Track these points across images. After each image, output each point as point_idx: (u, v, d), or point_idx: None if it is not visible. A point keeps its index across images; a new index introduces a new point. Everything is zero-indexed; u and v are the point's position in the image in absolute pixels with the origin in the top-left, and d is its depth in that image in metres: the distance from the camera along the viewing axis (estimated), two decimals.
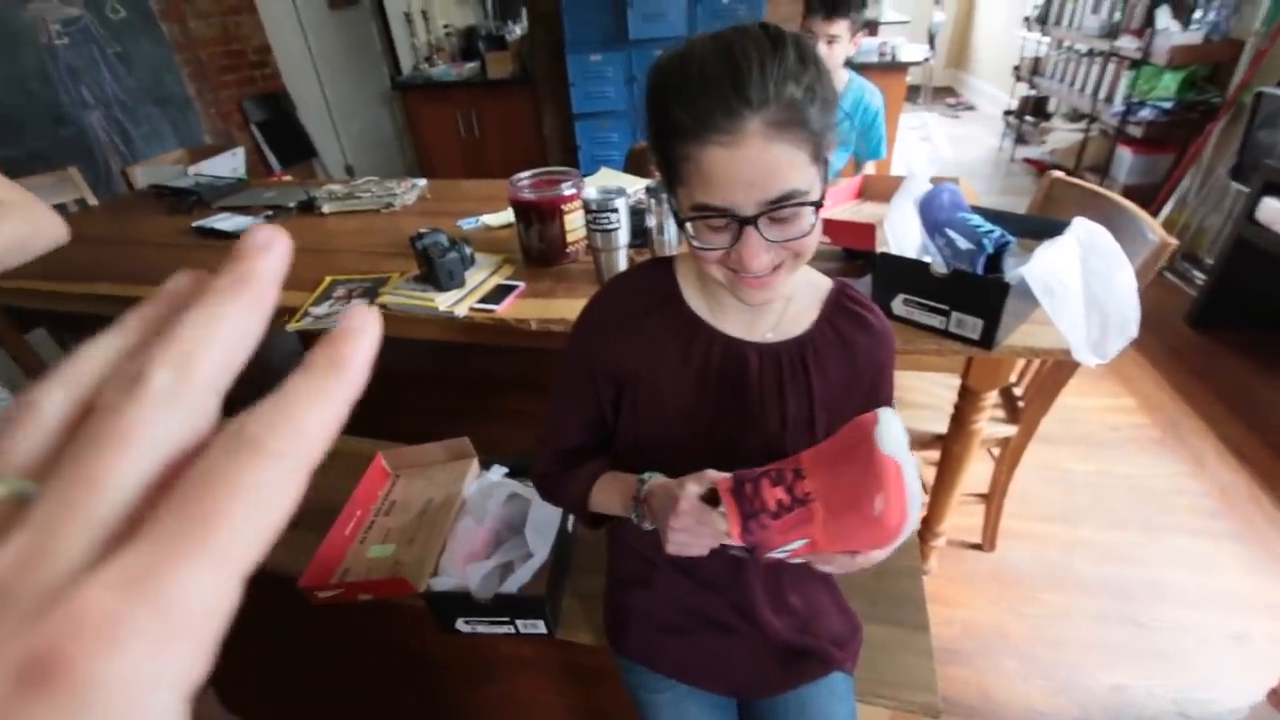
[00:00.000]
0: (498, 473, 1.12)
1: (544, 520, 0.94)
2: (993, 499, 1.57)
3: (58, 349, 2.46)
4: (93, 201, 2.32)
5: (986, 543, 1.63)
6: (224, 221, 1.86)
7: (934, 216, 1.05)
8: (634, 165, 2.12)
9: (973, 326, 0.99)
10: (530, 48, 3.38)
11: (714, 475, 0.64)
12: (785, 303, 0.72)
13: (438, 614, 0.96)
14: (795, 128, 0.56)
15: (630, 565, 0.87)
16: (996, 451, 1.51)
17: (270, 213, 1.93)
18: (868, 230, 1.08)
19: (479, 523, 0.98)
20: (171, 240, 1.82)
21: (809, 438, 0.73)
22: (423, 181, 2.05)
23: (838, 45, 1.66)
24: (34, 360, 2.03)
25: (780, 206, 0.58)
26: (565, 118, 3.18)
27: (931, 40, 5.46)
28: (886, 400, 0.77)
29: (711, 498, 0.63)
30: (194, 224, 1.86)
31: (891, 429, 0.55)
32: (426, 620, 1.02)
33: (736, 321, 0.72)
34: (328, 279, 1.43)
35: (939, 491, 1.38)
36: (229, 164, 2.88)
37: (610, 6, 2.73)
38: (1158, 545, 1.63)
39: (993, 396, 1.19)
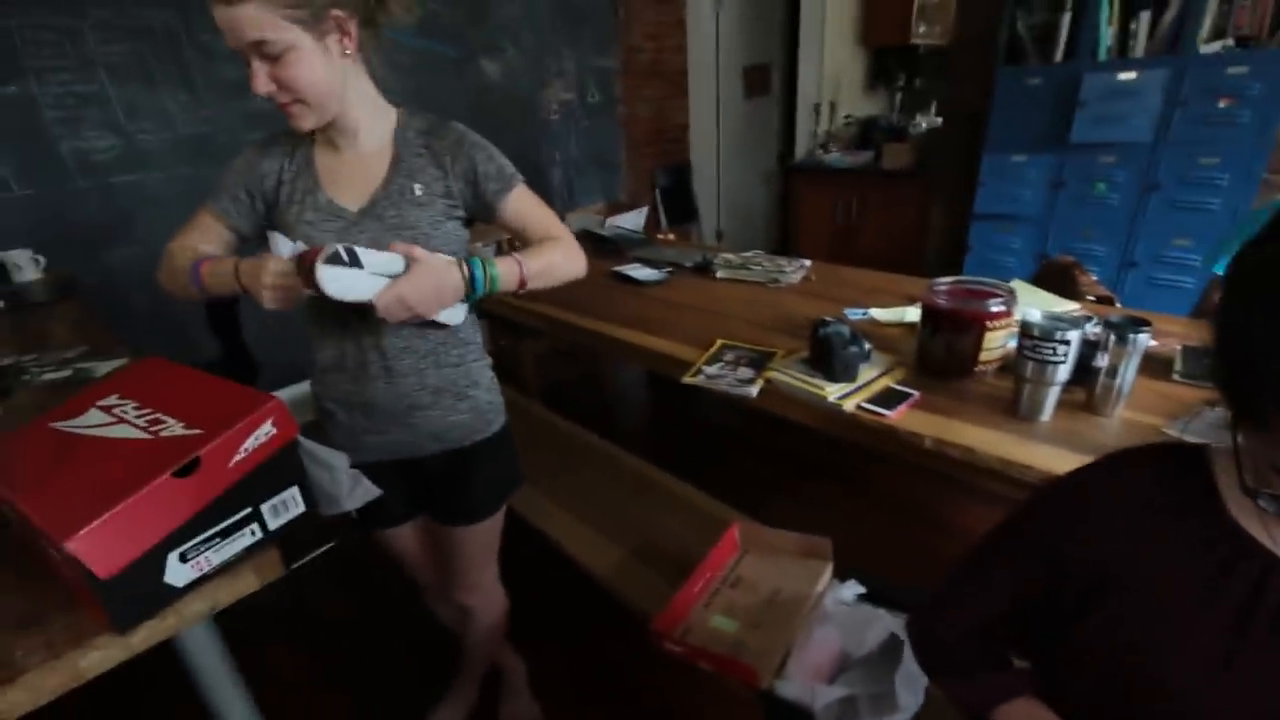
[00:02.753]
0: (853, 588, 1.04)
1: (917, 673, 0.82)
2: None
3: (488, 337, 3.21)
4: None
5: None
6: (636, 271, 2.18)
7: None
8: (1050, 280, 1.86)
9: None
10: (937, 142, 3.29)
11: None
12: None
13: (771, 718, 0.92)
14: None
15: None
16: None
17: (671, 269, 2.19)
18: None
19: (841, 641, 0.91)
20: (596, 281, 2.18)
21: None
22: (808, 262, 2.11)
23: None
24: None
25: None
26: (960, 216, 3.00)
27: None
28: None
29: None
30: (612, 269, 2.21)
31: None
32: (741, 707, 0.99)
33: None
34: (718, 342, 1.54)
35: None
36: (634, 220, 3.40)
37: (1054, 107, 2.50)
38: None
39: None
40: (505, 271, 0.97)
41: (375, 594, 1.93)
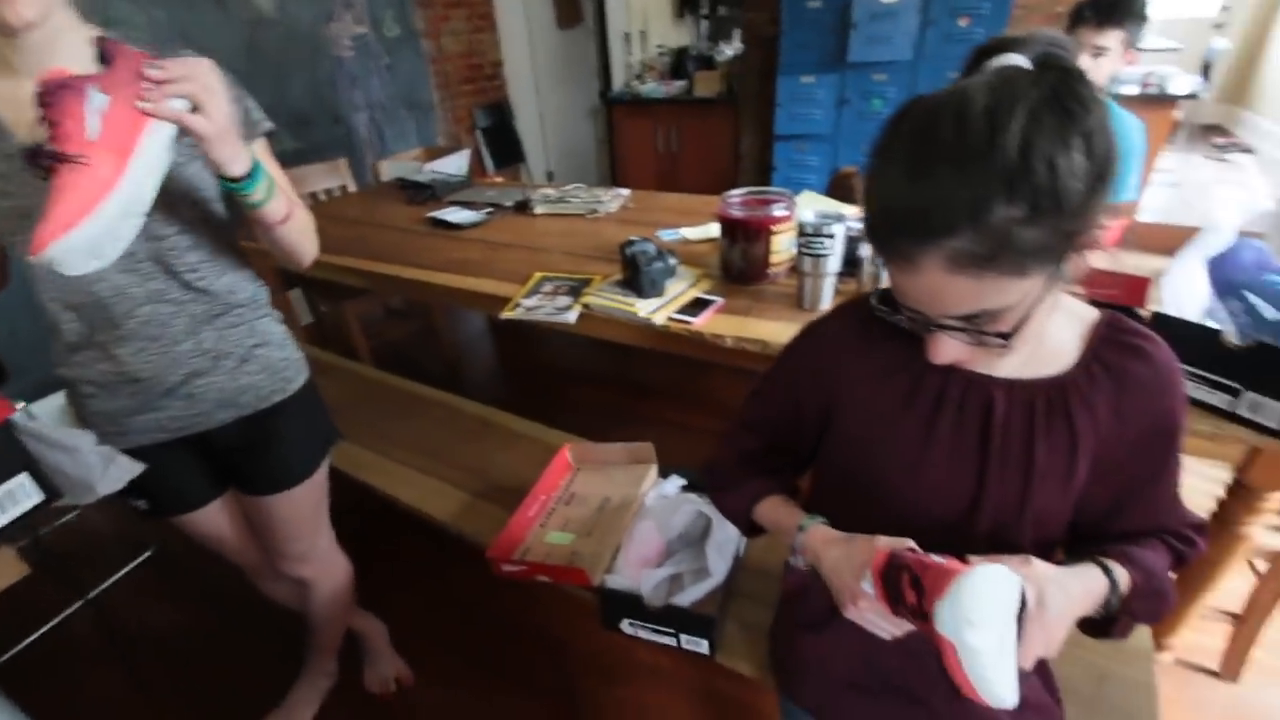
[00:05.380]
0: (675, 483, 1.13)
1: (725, 542, 0.92)
2: (1247, 620, 1.28)
3: (307, 307, 2.94)
4: (352, 188, 2.73)
5: (1228, 671, 1.34)
6: (453, 214, 2.09)
7: (1231, 276, 0.88)
8: (837, 190, 2.05)
9: (1273, 413, 0.81)
10: (741, 68, 3.42)
11: (883, 543, 0.61)
12: (1040, 334, 0.62)
13: (606, 611, 0.99)
14: (996, 261, 0.47)
15: (810, 606, 0.82)
16: (1263, 566, 1.23)
17: (491, 209, 2.12)
18: (1137, 284, 0.93)
19: (661, 531, 0.99)
20: (409, 227, 2.07)
21: (1061, 491, 0.63)
22: (626, 191, 2.15)
23: (1105, 59, 1.44)
24: (289, 315, 2.41)
25: (967, 326, 0.54)
26: (765, 138, 3.18)
27: (1205, 70, 4.68)
28: (1170, 464, 0.65)
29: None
30: (428, 214, 2.11)
31: (970, 593, 0.50)
32: (585, 612, 1.05)
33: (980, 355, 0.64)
34: (537, 274, 1.54)
35: (1178, 598, 1.15)
36: (456, 163, 3.23)
37: (833, 28, 2.69)
38: None
39: (1276, 499, 0.98)
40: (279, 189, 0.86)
41: (204, 590, 1.77)
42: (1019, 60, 0.49)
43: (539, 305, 1.40)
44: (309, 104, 3.15)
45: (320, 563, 1.25)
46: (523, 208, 2.12)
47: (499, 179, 3.61)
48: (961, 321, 0.53)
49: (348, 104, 3.35)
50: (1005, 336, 0.54)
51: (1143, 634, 0.96)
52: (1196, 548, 0.69)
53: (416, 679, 1.49)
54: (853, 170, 2.00)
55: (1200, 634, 1.34)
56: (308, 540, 1.19)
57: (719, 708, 1.37)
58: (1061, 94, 0.45)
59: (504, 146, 4.38)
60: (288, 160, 2.87)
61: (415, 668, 1.50)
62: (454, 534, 1.28)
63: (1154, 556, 0.65)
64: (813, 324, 0.74)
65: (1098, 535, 0.68)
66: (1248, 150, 4.89)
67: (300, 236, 0.94)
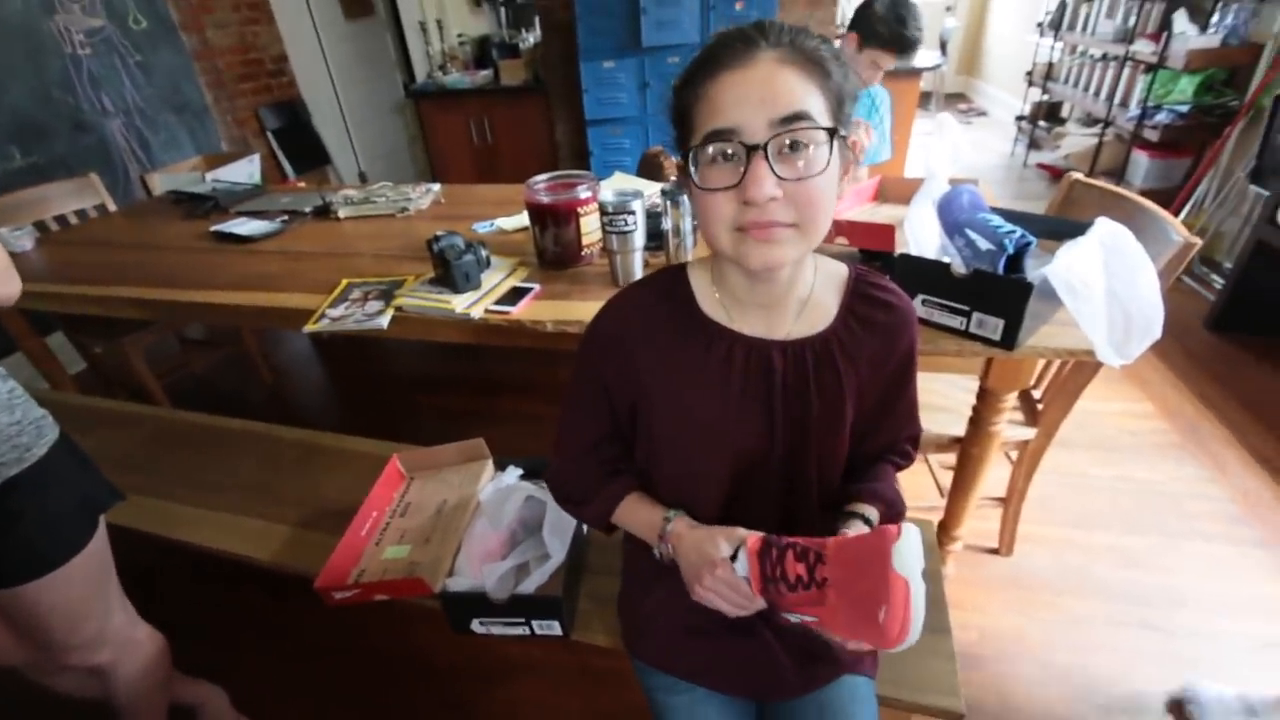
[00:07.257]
0: (513, 474, 1.12)
1: (561, 522, 0.93)
2: (1010, 503, 1.55)
3: (75, 353, 2.49)
4: (112, 207, 2.35)
5: (1004, 547, 1.62)
6: (242, 226, 1.88)
7: (954, 217, 1.05)
8: (646, 170, 2.12)
9: (994, 327, 0.98)
10: (543, 55, 3.41)
11: (744, 533, 0.68)
12: (806, 296, 0.70)
13: (453, 615, 0.96)
14: (811, 66, 0.57)
15: (644, 567, 0.87)
16: (1014, 455, 1.49)
17: (287, 217, 1.94)
18: (887, 231, 1.08)
19: (495, 524, 0.98)
20: (190, 245, 1.84)
21: (836, 432, 0.72)
22: (437, 186, 2.07)
23: (882, 70, 1.74)
24: (52, 363, 2.05)
25: (790, 128, 0.55)
26: (578, 124, 3.20)
27: (943, 46, 5.46)
28: (910, 385, 0.77)
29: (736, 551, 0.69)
30: (212, 228, 1.88)
31: (910, 546, 0.58)
32: (440, 622, 1.02)
33: (756, 321, 0.70)
34: (344, 281, 1.44)
35: (956, 495, 1.37)
36: (245, 170, 2.90)
37: (624, 14, 2.76)
38: (1177, 551, 1.61)
39: (1012, 398, 1.18)
40: None
41: None
42: None
43: (347, 314, 1.31)
44: (40, 111, 2.66)
45: (118, 645, 1.07)
46: (324, 213, 1.97)
47: (302, 185, 3.28)
48: (782, 129, 0.55)
49: (93, 109, 2.87)
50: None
51: (928, 532, 1.13)
52: (911, 459, 0.84)
53: None
54: (659, 149, 2.08)
55: (980, 520, 1.59)
56: (95, 623, 1.02)
57: (593, 685, 1.40)
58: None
59: (304, 150, 4.01)
60: (21, 178, 2.43)
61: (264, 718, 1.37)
62: (283, 574, 1.17)
63: (886, 485, 0.79)
64: (591, 325, 0.75)
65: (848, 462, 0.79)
66: (983, 113, 5.80)
67: None
